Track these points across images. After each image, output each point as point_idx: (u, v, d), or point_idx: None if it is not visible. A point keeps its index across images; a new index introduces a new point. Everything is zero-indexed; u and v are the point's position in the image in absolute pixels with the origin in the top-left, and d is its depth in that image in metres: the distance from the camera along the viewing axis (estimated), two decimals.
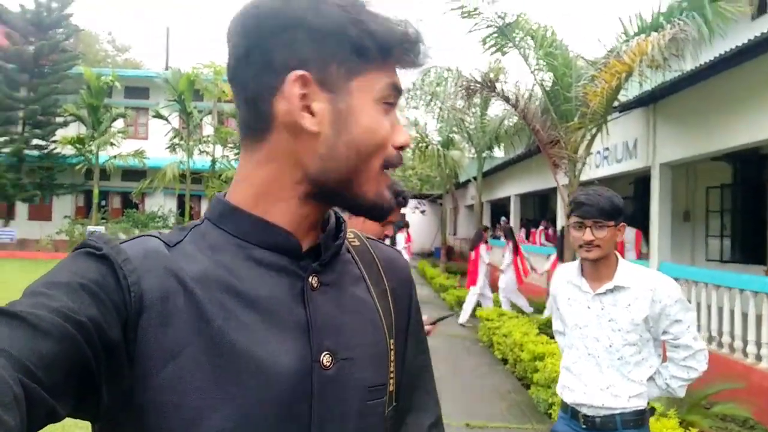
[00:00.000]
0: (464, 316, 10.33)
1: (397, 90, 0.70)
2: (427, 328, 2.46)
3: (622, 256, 2.31)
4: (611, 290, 2.18)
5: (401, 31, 0.67)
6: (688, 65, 6.24)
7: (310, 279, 0.69)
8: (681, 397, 2.25)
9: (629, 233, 10.32)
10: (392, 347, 0.77)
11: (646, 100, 7.41)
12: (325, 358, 0.67)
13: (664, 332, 2.15)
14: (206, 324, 0.61)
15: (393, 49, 0.67)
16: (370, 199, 0.70)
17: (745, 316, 5.51)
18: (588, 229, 2.14)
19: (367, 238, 0.87)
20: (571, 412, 2.31)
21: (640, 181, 11.25)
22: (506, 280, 10.49)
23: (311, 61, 0.65)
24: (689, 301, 6.80)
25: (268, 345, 0.63)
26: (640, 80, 6.57)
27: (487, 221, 18.37)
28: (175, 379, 0.59)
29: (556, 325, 2.58)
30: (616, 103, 7.21)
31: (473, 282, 10.39)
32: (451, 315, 2.82)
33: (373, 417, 0.72)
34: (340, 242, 0.75)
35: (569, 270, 2.39)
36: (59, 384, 0.50)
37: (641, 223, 11.31)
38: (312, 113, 0.65)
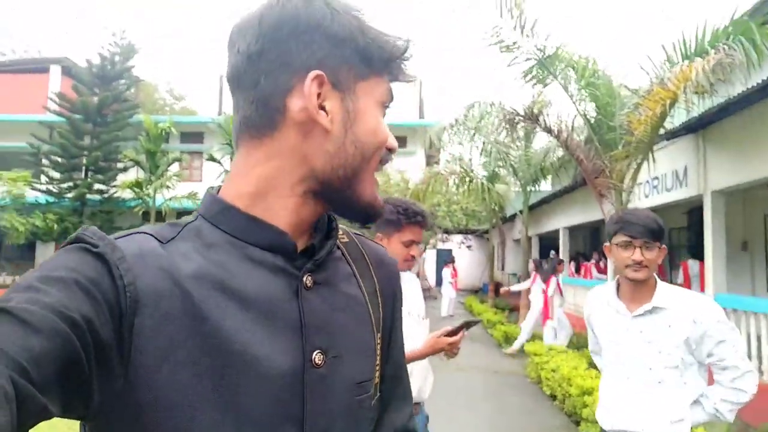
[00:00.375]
0: (515, 345, 10.34)
1: (391, 96, 0.75)
2: (450, 340, 2.37)
3: (688, 288, 2.28)
4: (650, 311, 2.13)
5: (400, 45, 0.72)
6: (737, 90, 6.10)
7: (304, 278, 0.71)
8: (731, 422, 2.16)
9: (694, 266, 9.98)
10: (379, 341, 0.80)
11: (694, 127, 7.25)
12: (317, 357, 0.68)
13: (709, 355, 2.07)
14: (201, 323, 0.62)
15: (392, 60, 0.73)
16: (367, 199, 0.73)
17: None
18: (638, 249, 2.11)
19: (356, 234, 0.88)
20: None
21: (695, 210, 10.88)
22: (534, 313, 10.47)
23: (326, 62, 0.68)
24: (747, 333, 6.47)
25: (263, 344, 0.64)
26: (687, 107, 6.45)
27: (535, 255, 18.05)
28: (171, 379, 0.59)
29: (591, 346, 2.53)
30: (662, 131, 7.07)
31: (547, 316, 10.23)
32: (478, 321, 2.59)
33: (362, 410, 0.74)
34: (333, 241, 0.77)
35: (605, 291, 2.33)
36: (50, 381, 0.49)
37: (702, 255, 10.90)
38: (326, 112, 0.69)
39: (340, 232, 0.82)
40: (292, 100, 0.68)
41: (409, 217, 2.30)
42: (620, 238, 2.14)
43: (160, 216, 21.32)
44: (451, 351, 2.41)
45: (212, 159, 20.74)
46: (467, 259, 26.83)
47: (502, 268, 24.06)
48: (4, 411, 0.43)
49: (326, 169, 0.70)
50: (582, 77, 7.25)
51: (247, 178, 0.71)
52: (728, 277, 7.45)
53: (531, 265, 11.13)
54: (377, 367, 0.79)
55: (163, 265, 0.63)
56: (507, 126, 8.24)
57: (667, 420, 2.09)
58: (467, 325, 2.44)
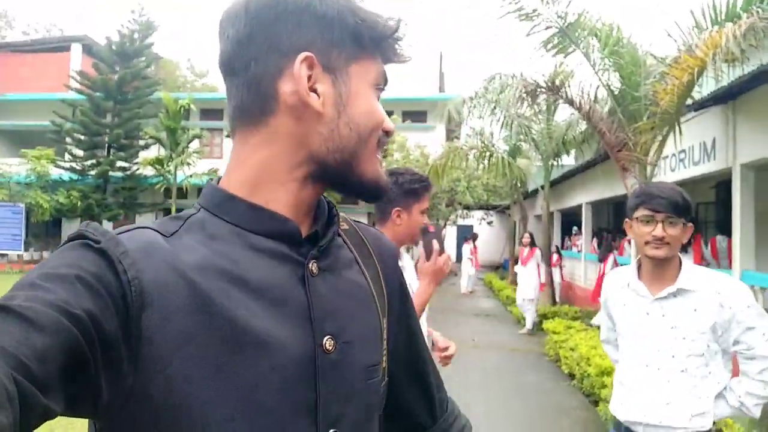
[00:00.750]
0: (528, 325, 10.50)
1: (385, 79, 0.74)
2: (441, 354, 2.28)
3: (718, 265, 2.11)
4: (674, 294, 1.97)
5: (392, 25, 0.71)
6: None
7: (309, 265, 0.71)
8: (757, 417, 1.99)
9: (722, 242, 9.64)
10: (384, 326, 0.80)
11: (724, 97, 6.91)
12: (328, 342, 0.68)
13: (736, 342, 1.91)
14: (211, 315, 0.61)
15: (384, 40, 0.72)
16: (370, 178, 0.73)
17: None
18: (659, 224, 1.94)
19: (354, 221, 0.89)
20: None
21: (723, 184, 10.50)
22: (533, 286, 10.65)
23: (316, 44, 0.68)
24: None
25: (274, 332, 0.64)
26: (716, 76, 6.13)
27: (557, 231, 17.77)
28: (183, 372, 0.59)
29: (604, 335, 2.36)
30: (689, 102, 6.76)
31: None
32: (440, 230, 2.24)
33: (371, 394, 0.75)
34: (335, 228, 0.77)
35: (624, 273, 2.16)
36: (54, 378, 0.48)
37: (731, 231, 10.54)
38: (318, 94, 0.68)
39: (340, 219, 0.82)
40: (283, 83, 0.68)
41: (425, 184, 2.23)
42: (641, 212, 1.98)
43: (181, 192, 21.51)
44: (438, 275, 2.12)
45: (231, 135, 20.74)
46: (488, 235, 26.62)
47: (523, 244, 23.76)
48: (5, 411, 0.42)
49: (322, 151, 0.70)
50: (605, 45, 6.93)
51: (245, 166, 0.71)
52: (757, 254, 7.19)
53: (527, 238, 11.14)
54: (384, 351, 0.80)
55: (168, 259, 0.62)
56: (528, 98, 7.96)
57: (687, 413, 1.94)
58: (429, 234, 2.12)
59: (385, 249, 0.88)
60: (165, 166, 21.31)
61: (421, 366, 0.91)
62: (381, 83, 0.74)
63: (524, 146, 15.84)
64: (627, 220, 2.07)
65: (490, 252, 26.77)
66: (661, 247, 1.94)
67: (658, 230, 1.93)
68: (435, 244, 2.09)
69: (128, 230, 0.65)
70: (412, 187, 2.19)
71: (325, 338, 0.68)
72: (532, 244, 11.23)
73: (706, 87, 6.96)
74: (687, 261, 2.03)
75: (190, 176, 21.18)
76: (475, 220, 25.44)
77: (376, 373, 0.76)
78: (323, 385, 0.67)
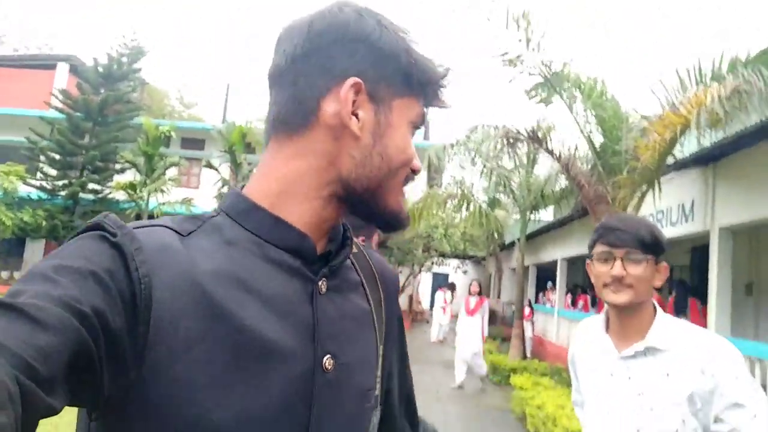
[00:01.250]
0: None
1: (423, 120, 0.76)
2: None
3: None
4: (642, 352, 1.57)
5: (441, 72, 0.75)
6: (753, 121, 5.73)
7: (320, 283, 0.72)
8: None
9: (698, 306, 9.45)
10: (381, 353, 0.81)
11: (705, 158, 6.86)
12: (327, 362, 0.69)
13: (717, 420, 1.46)
14: (219, 322, 0.61)
15: (430, 84, 0.75)
16: (392, 209, 0.74)
17: None
18: (618, 262, 1.57)
19: (362, 245, 0.90)
20: None
21: (699, 249, 10.44)
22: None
23: (367, 74, 0.70)
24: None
25: (279, 345, 0.65)
26: (698, 135, 6.06)
27: (532, 285, 17.57)
28: (185, 376, 0.59)
29: (573, 395, 1.98)
30: (671, 161, 6.68)
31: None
32: None
33: (364, 419, 0.75)
34: (348, 249, 0.78)
35: (593, 324, 1.80)
36: (58, 377, 0.48)
37: (704, 297, 10.44)
38: (358, 119, 0.71)
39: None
40: (327, 102, 0.70)
41: None
42: (599, 248, 1.63)
43: (151, 219, 20.96)
44: None
45: (210, 166, 20.45)
46: (462, 284, 26.33)
47: (498, 296, 23.53)
48: (7, 411, 0.42)
49: (351, 175, 0.72)
50: (589, 97, 6.88)
51: (274, 177, 0.72)
52: (731, 322, 7.01)
53: (475, 287, 10.33)
54: (378, 378, 0.80)
55: (182, 261, 0.63)
56: (509, 146, 7.86)
57: None
58: None
59: (388, 276, 0.90)
60: (138, 191, 20.84)
61: (409, 389, 0.96)
62: (418, 123, 0.76)
63: (503, 198, 15.80)
64: (587, 260, 1.73)
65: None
66: (620, 290, 1.57)
67: (617, 269, 1.56)
68: None
69: (146, 226, 0.65)
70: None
71: (326, 357, 0.69)
72: (480, 293, 10.33)
73: (687, 147, 6.91)
74: (664, 314, 1.63)
75: (163, 204, 20.73)
76: (451, 268, 25.19)
77: (370, 398, 0.76)
78: (318, 404, 0.67)
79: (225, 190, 20.72)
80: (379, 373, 0.80)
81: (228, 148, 20.18)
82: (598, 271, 1.63)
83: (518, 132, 7.82)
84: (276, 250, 0.69)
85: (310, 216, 0.72)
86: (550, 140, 7.59)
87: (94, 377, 0.53)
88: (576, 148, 7.71)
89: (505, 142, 7.98)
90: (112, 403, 0.57)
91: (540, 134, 7.55)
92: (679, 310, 9.53)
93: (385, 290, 0.86)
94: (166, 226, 0.66)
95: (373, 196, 0.72)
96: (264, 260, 0.68)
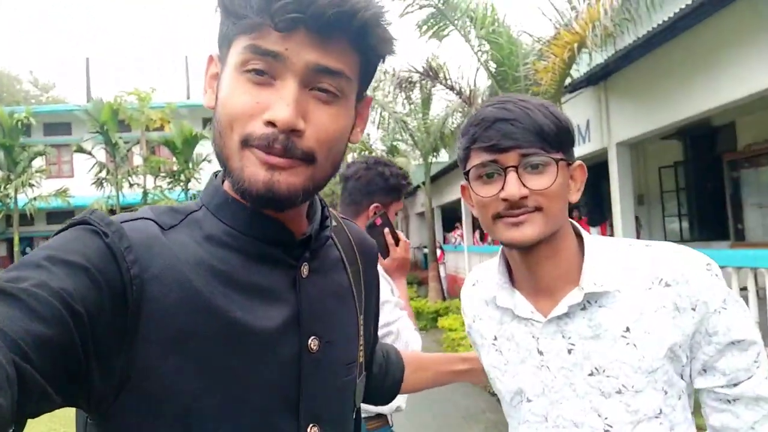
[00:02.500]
0: None
1: (259, 52, 0.64)
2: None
3: None
4: (579, 306, 0.94)
5: None
6: (641, 33, 5.80)
7: (302, 268, 0.72)
8: None
9: (593, 231, 9.90)
10: (362, 323, 0.84)
11: (597, 77, 6.97)
12: (313, 343, 0.71)
13: (705, 370, 0.93)
14: (207, 314, 0.62)
15: (241, 10, 0.64)
16: (237, 178, 0.66)
17: None
18: (511, 175, 0.90)
19: (342, 217, 0.91)
20: None
21: (592, 168, 10.93)
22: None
23: (219, 34, 0.70)
24: None
25: (264, 333, 0.66)
26: (590, 53, 6.08)
27: (439, 227, 17.83)
28: (177, 368, 0.60)
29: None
30: (569, 81, 6.70)
31: None
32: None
33: (349, 390, 0.79)
34: (328, 232, 0.78)
35: (486, 279, 1.10)
36: (51, 367, 0.49)
37: (601, 215, 11.00)
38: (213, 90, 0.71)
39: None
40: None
41: (407, 183, 1.96)
42: (476, 159, 0.95)
43: (25, 218, 18.90)
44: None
45: (81, 150, 18.57)
46: None
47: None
48: (5, 392, 0.42)
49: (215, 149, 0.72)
50: (482, 26, 6.68)
51: None
52: (629, 232, 7.34)
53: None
54: (360, 347, 0.82)
55: (167, 255, 0.63)
56: (405, 87, 7.56)
57: None
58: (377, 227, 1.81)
59: (367, 248, 0.91)
60: (3, 188, 18.61)
61: (375, 344, 1.02)
62: (251, 61, 0.68)
63: (402, 145, 15.70)
64: (462, 184, 1.06)
65: None
66: (523, 219, 0.91)
67: (511, 186, 0.90)
68: (387, 236, 1.82)
69: (130, 219, 0.65)
70: (397, 183, 1.91)
71: (311, 339, 0.71)
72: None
73: (580, 68, 6.97)
74: (592, 237, 1.01)
75: (34, 199, 18.71)
76: None
77: (353, 369, 0.79)
78: (306, 383, 0.69)
79: (103, 175, 18.99)
80: (361, 342, 0.83)
81: (99, 128, 18.36)
82: (481, 198, 0.94)
83: (413, 70, 7.52)
84: (254, 242, 0.70)
85: None
86: (448, 76, 7.37)
87: (84, 372, 0.54)
88: (475, 84, 7.57)
89: (399, 86, 7.65)
90: (106, 401, 0.58)
91: (435, 68, 7.29)
92: None
93: (363, 261, 0.87)
94: (149, 218, 0.66)
95: (226, 168, 0.67)
96: (244, 254, 0.69)
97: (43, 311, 0.49)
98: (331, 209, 0.84)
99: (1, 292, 0.49)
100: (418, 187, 15.57)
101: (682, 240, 10.06)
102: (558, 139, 0.92)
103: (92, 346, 0.54)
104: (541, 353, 0.98)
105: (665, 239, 10.33)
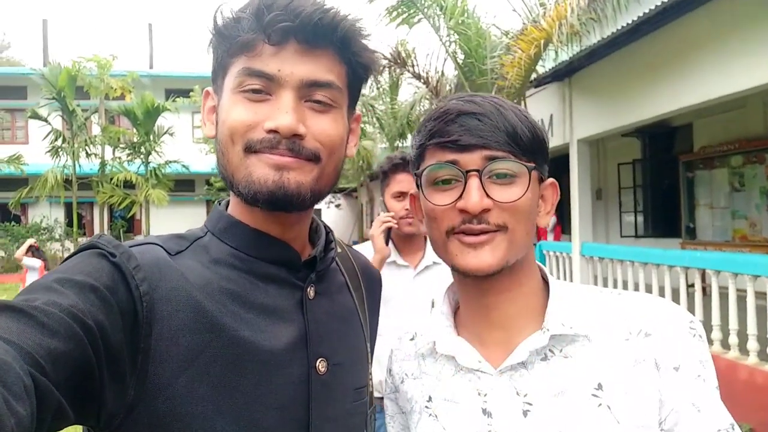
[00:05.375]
0: None
1: (254, 74, 0.68)
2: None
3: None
4: (539, 353, 0.76)
5: (246, 14, 0.68)
6: (607, 33, 5.87)
7: (308, 290, 0.74)
8: None
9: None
10: (369, 350, 0.84)
11: (562, 73, 7.04)
12: (321, 365, 0.72)
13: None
14: (217, 334, 0.64)
15: (233, 36, 0.69)
16: (246, 184, 0.68)
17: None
18: (472, 181, 0.73)
19: (346, 245, 0.93)
20: None
21: (553, 161, 11.10)
22: None
23: (213, 67, 0.76)
24: (613, 281, 6.48)
25: (272, 353, 0.67)
26: (556, 49, 6.13)
27: None
28: (188, 389, 0.61)
29: None
30: (534, 76, 6.75)
31: None
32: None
33: (359, 416, 0.78)
34: (333, 254, 0.80)
35: (427, 330, 0.88)
36: (65, 382, 0.49)
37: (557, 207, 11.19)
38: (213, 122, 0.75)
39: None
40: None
41: (394, 164, 2.09)
42: (431, 158, 0.77)
43: None
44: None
45: (36, 116, 17.83)
46: (336, 218, 26.35)
47: (371, 226, 23.88)
48: (24, 404, 0.43)
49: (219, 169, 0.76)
50: (451, 16, 6.66)
51: None
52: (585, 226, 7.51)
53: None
54: (370, 375, 0.83)
55: (176, 277, 0.64)
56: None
57: None
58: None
59: (371, 277, 0.93)
60: None
61: None
62: (246, 83, 0.72)
63: (369, 129, 15.62)
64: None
65: (340, 234, 26.29)
66: (482, 242, 0.73)
67: (472, 196, 0.72)
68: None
69: (139, 244, 0.67)
70: (382, 169, 2.12)
71: (319, 360, 0.71)
72: None
73: (547, 64, 7.03)
74: (557, 280, 0.85)
75: None
76: (323, 204, 24.93)
77: (363, 395, 0.79)
78: (315, 405, 0.70)
79: (59, 143, 18.31)
80: (370, 369, 0.83)
81: (56, 94, 17.64)
82: (433, 208, 0.76)
83: (381, 55, 7.44)
84: (261, 263, 0.71)
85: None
86: (416, 63, 7.34)
87: (96, 389, 0.54)
88: (443, 73, 7.55)
89: None
90: (117, 420, 0.58)
91: (404, 56, 7.25)
92: None
93: (367, 287, 0.88)
94: (156, 244, 0.68)
95: (232, 185, 0.70)
96: (252, 275, 0.70)
97: (56, 327, 0.50)
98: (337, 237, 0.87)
99: (14, 309, 0.49)
100: None
101: (636, 235, 10.37)
102: (532, 147, 0.75)
103: (105, 363, 0.54)
104: (488, 415, 0.76)
105: (621, 234, 10.67)
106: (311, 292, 0.73)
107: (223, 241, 0.72)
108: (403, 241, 2.26)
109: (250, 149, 0.67)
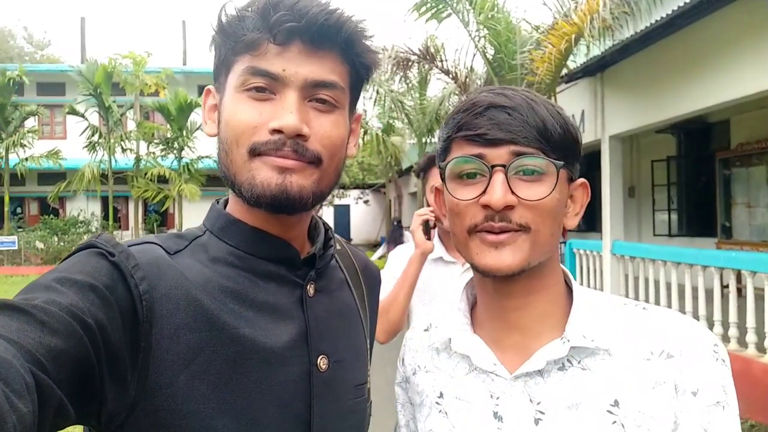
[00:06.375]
0: None
1: (259, 73, 0.68)
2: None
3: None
4: (557, 363, 0.74)
5: (252, 12, 0.68)
6: (640, 27, 5.74)
7: (307, 287, 0.74)
8: None
9: None
10: (369, 347, 0.86)
11: (594, 68, 6.91)
12: (322, 361, 0.72)
13: None
14: (217, 332, 0.64)
15: (237, 35, 0.69)
16: (249, 187, 0.68)
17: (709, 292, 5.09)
18: (498, 177, 0.70)
19: (346, 242, 0.92)
20: None
21: (584, 157, 10.91)
22: None
23: (216, 64, 0.75)
24: (645, 279, 6.37)
25: (273, 351, 0.67)
26: (588, 44, 6.02)
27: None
28: (188, 387, 0.61)
29: None
30: (565, 71, 6.65)
31: None
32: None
33: (360, 413, 0.78)
34: (332, 251, 0.80)
35: (443, 322, 0.87)
36: (66, 380, 0.49)
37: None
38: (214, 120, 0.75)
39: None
40: None
41: (430, 159, 2.07)
42: (458, 151, 0.74)
43: (16, 179, 18.74)
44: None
45: (73, 112, 18.36)
46: (364, 214, 26.42)
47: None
48: (25, 400, 0.43)
49: (221, 169, 0.75)
50: (481, 10, 6.60)
51: None
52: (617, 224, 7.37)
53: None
54: (369, 372, 0.83)
55: (175, 276, 0.65)
56: (401, 68, 7.49)
57: None
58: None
59: (371, 274, 0.93)
60: None
61: None
62: (249, 81, 0.71)
63: (398, 124, 15.61)
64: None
65: (368, 230, 26.61)
66: (503, 242, 0.71)
67: (496, 191, 0.69)
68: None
69: (137, 243, 0.67)
70: (420, 166, 2.11)
71: (320, 357, 0.72)
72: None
73: (577, 59, 6.92)
74: (581, 287, 0.81)
75: (25, 159, 18.52)
76: (352, 199, 25.06)
77: (363, 391, 0.79)
78: (317, 402, 0.70)
79: (96, 138, 18.79)
80: (370, 367, 0.84)
81: (93, 90, 18.11)
82: (457, 203, 0.73)
83: (409, 51, 7.43)
84: (260, 261, 0.71)
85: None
86: (445, 59, 7.30)
87: (96, 387, 0.54)
88: (472, 69, 7.49)
89: (398, 66, 7.57)
90: (118, 419, 0.58)
91: (432, 51, 7.22)
92: None
93: (367, 285, 0.89)
94: (155, 243, 0.68)
95: (233, 186, 0.71)
96: (251, 273, 0.70)
97: (56, 325, 0.50)
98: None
99: (13, 308, 0.50)
100: (412, 167, 15.54)
101: (669, 234, 10.14)
102: (563, 144, 0.71)
103: (105, 361, 0.54)
104: (499, 419, 0.75)
105: (654, 232, 10.44)
106: (311, 289, 0.74)
107: (222, 240, 0.72)
108: (448, 236, 2.25)
109: (254, 152, 0.68)
